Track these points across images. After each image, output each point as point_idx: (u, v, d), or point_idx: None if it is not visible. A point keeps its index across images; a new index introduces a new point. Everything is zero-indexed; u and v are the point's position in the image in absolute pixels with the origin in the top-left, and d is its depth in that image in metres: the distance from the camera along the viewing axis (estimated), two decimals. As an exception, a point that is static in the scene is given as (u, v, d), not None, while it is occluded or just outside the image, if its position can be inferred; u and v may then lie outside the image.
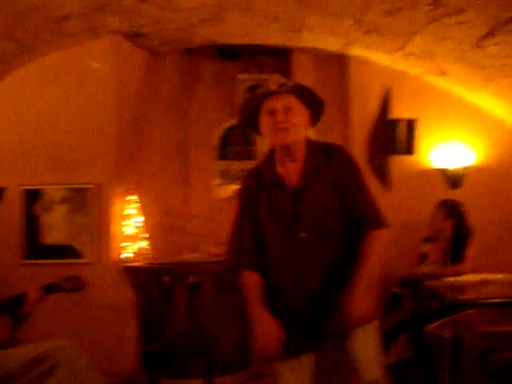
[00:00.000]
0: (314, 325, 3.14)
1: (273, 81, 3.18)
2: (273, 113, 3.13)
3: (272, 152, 3.30)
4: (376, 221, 3.18)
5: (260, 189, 3.26)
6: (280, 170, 3.22)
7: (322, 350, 3.23)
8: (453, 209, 5.77)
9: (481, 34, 5.15)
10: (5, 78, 6.44)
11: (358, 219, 3.17)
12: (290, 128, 3.12)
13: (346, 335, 3.10)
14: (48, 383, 3.55)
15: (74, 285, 4.17)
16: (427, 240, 6.06)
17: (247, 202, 3.33)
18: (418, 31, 5.50)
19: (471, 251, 5.62)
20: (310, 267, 3.13)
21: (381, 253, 3.17)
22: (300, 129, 3.18)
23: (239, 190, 3.41)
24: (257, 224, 3.27)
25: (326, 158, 3.20)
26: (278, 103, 3.13)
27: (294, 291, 3.16)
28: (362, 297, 3.00)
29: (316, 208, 3.12)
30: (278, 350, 3.04)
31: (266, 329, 3.07)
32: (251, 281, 3.25)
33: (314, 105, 3.24)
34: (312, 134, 6.55)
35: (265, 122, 3.18)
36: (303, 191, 3.15)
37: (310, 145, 3.27)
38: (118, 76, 6.42)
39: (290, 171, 3.19)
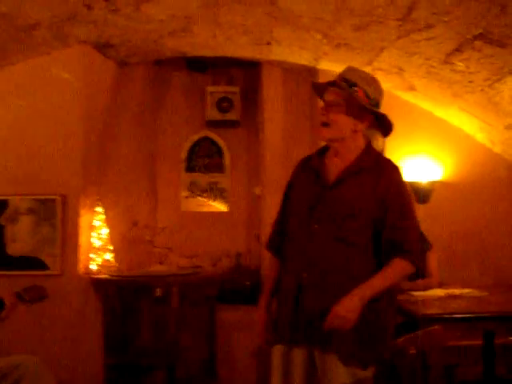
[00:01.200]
0: (310, 321, 3.15)
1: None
2: (323, 107, 3.22)
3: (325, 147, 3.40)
4: (408, 252, 3.14)
5: (301, 173, 3.37)
6: (327, 161, 3.29)
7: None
8: None
9: (449, 50, 5.18)
10: (-29, 87, 6.37)
11: (391, 242, 3.13)
12: (326, 124, 3.19)
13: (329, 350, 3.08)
14: None
15: (36, 295, 4.06)
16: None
17: (289, 184, 3.45)
18: (386, 46, 5.53)
19: (435, 265, 5.63)
20: (312, 260, 3.15)
21: (396, 283, 3.18)
22: (339, 127, 3.20)
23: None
24: (287, 208, 3.39)
25: (376, 167, 3.21)
26: (327, 96, 3.22)
27: (294, 279, 3.20)
28: (354, 301, 3.00)
29: (341, 207, 3.13)
30: (265, 339, 3.31)
31: (256, 317, 3.39)
32: (270, 267, 3.54)
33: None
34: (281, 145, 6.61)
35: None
36: (334, 187, 3.18)
37: (368, 149, 3.29)
38: (85, 86, 6.35)
39: (335, 166, 3.24)
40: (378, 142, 3.52)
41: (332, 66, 6.51)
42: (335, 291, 3.07)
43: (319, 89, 3.32)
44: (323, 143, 3.44)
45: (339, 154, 3.27)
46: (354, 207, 3.13)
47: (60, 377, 3.98)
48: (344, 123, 3.21)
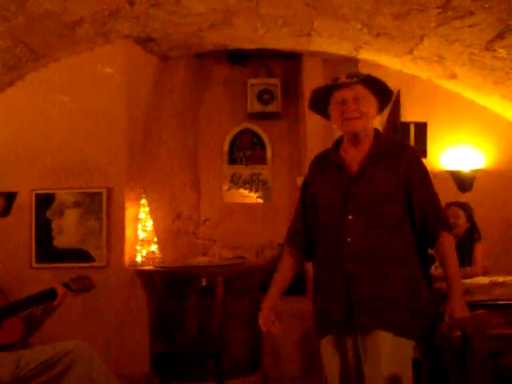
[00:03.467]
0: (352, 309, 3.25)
1: (344, 73, 3.33)
2: (343, 102, 3.29)
3: (341, 137, 3.47)
4: (446, 222, 3.35)
5: (321, 169, 3.45)
6: (344, 154, 3.38)
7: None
8: (469, 212, 5.74)
9: (490, 37, 5.15)
10: (17, 83, 6.49)
11: (429, 218, 3.29)
12: (358, 117, 3.28)
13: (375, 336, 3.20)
14: None
15: (82, 285, 4.14)
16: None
17: (308, 181, 3.53)
18: (426, 34, 5.51)
19: (481, 254, 5.61)
20: (353, 249, 3.24)
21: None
22: (368, 117, 3.34)
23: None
24: (312, 204, 3.44)
25: (392, 151, 3.34)
26: (347, 93, 3.29)
27: (338, 270, 3.28)
28: (461, 299, 3.27)
29: (372, 194, 3.25)
30: (272, 330, 3.45)
31: (264, 304, 3.48)
32: (283, 261, 3.57)
33: (382, 94, 3.42)
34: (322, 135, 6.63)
35: (334, 111, 3.35)
36: (360, 176, 3.28)
37: (377, 135, 3.44)
38: (128, 81, 6.46)
39: (353, 156, 3.35)
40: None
41: (372, 56, 6.51)
42: (382, 274, 3.22)
43: (326, 91, 3.39)
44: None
45: (359, 143, 3.37)
46: (384, 192, 3.26)
47: (108, 366, 4.04)
48: (372, 113, 3.37)
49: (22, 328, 3.80)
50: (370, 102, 3.34)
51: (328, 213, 3.35)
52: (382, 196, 3.25)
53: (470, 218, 5.71)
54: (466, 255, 5.58)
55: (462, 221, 5.68)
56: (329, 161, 3.44)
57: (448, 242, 3.30)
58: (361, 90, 3.31)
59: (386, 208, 3.24)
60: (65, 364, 3.56)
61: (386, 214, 3.24)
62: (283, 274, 3.58)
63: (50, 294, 3.91)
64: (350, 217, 3.25)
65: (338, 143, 3.49)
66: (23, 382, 3.57)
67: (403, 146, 3.48)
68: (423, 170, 3.37)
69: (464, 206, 5.77)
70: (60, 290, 3.93)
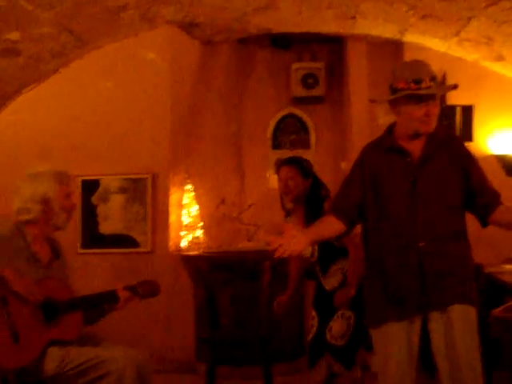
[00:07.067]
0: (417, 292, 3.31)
1: (425, 74, 3.30)
2: (425, 103, 3.28)
3: (391, 127, 3.49)
4: (499, 196, 3.44)
5: (380, 153, 3.48)
6: (402, 143, 3.41)
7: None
8: None
9: (540, 18, 5.07)
10: (62, 71, 6.53)
11: (489, 198, 3.40)
12: (434, 118, 3.32)
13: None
14: None
15: (149, 290, 4.07)
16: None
17: (364, 163, 3.52)
18: (474, 16, 5.42)
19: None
20: (425, 229, 3.30)
21: None
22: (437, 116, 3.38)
23: (359, 155, 3.60)
24: (372, 186, 3.45)
25: (445, 140, 3.43)
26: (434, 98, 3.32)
27: (409, 251, 3.32)
28: None
29: (434, 181, 3.34)
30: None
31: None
32: (328, 219, 3.54)
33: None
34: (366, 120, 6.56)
35: (413, 110, 3.30)
36: (424, 162, 3.35)
37: None
38: (172, 66, 6.47)
39: (413, 146, 3.39)
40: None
41: (417, 39, 6.44)
42: (451, 251, 3.33)
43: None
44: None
45: (423, 136, 3.39)
46: (446, 176, 3.35)
47: (153, 351, 4.04)
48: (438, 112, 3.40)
49: (81, 327, 3.78)
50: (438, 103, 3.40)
51: (395, 196, 3.39)
52: (446, 180, 3.34)
53: None
54: None
55: None
56: (387, 146, 3.46)
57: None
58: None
59: (450, 190, 3.34)
60: (101, 371, 3.55)
61: (450, 195, 3.34)
62: (325, 224, 3.57)
63: (113, 296, 3.87)
64: (420, 199, 3.32)
65: (388, 132, 3.51)
66: (65, 377, 3.57)
67: (452, 136, 3.63)
68: (472, 154, 3.47)
69: None
70: (122, 295, 3.88)
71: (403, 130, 3.41)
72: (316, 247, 4.51)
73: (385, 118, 3.51)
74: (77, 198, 6.42)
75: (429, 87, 3.25)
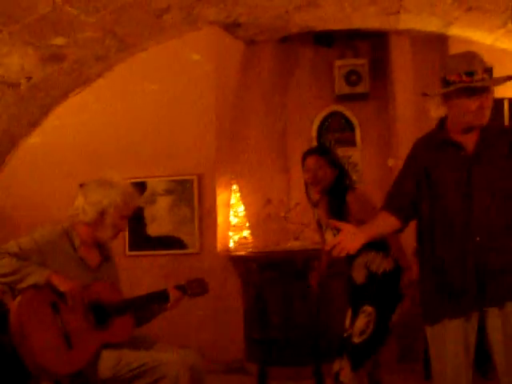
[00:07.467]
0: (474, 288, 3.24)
1: (479, 66, 3.24)
2: (479, 96, 3.21)
3: (443, 121, 3.43)
4: None
5: (432, 147, 3.43)
6: (455, 136, 3.35)
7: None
8: None
9: None
10: (106, 74, 6.58)
11: None
12: (488, 111, 3.25)
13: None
14: None
15: (198, 289, 4.09)
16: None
17: (417, 158, 3.49)
18: (521, 6, 5.35)
19: None
20: (481, 223, 3.24)
21: None
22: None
23: (410, 150, 3.55)
24: (425, 180, 3.41)
25: (499, 133, 3.37)
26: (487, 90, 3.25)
27: (465, 245, 3.27)
28: None
29: (489, 174, 3.26)
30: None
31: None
32: (382, 215, 3.48)
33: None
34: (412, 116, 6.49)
35: (466, 103, 3.24)
36: (478, 155, 3.29)
37: None
38: (216, 67, 6.48)
39: (467, 139, 3.33)
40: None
41: (462, 32, 6.35)
42: (508, 246, 3.24)
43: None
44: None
45: (476, 129, 3.33)
46: (500, 170, 3.27)
47: (203, 352, 4.03)
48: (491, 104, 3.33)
49: (132, 330, 3.80)
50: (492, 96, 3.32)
51: (449, 190, 3.33)
52: (501, 173, 3.27)
53: None
54: None
55: None
56: (440, 140, 3.41)
57: None
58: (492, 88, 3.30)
59: (505, 183, 3.26)
60: (156, 375, 3.55)
61: (505, 189, 3.26)
62: (380, 221, 3.51)
63: (163, 296, 3.90)
64: (475, 193, 3.25)
65: (440, 126, 3.45)
66: (120, 381, 3.59)
67: (504, 127, 3.58)
68: None
69: None
70: (173, 294, 3.91)
71: (456, 124, 3.34)
72: None
73: (436, 111, 3.42)
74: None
75: (482, 79, 3.18)
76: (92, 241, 3.87)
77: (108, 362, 3.58)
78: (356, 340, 4.24)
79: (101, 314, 3.66)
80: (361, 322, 4.26)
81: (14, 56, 5.62)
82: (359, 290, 4.39)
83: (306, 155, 4.74)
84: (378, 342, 4.28)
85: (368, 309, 4.26)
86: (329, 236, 4.50)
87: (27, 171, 6.87)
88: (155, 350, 3.77)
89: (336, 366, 4.32)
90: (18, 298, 3.50)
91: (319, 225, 4.74)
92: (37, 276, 3.48)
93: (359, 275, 4.39)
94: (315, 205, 4.74)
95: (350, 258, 4.37)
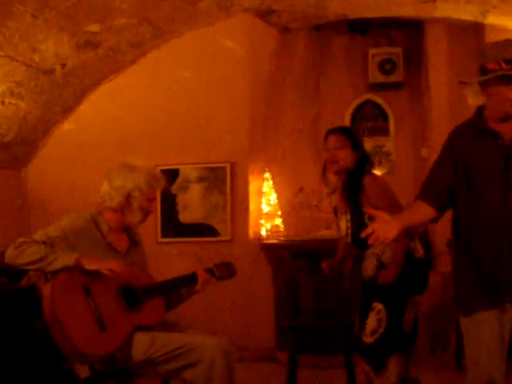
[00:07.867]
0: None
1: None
2: None
3: (480, 109, 3.37)
4: None
5: (472, 137, 3.36)
6: (493, 125, 3.30)
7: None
8: None
9: None
10: (140, 61, 6.60)
11: None
12: None
13: None
14: (183, 376, 3.59)
15: (225, 272, 4.10)
16: None
17: (453, 147, 3.42)
18: (561, -7, 5.26)
19: None
20: None
21: None
22: None
23: (446, 139, 3.48)
24: (461, 168, 3.36)
25: None
26: None
27: (505, 235, 3.23)
28: None
29: None
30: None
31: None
32: (418, 204, 3.42)
33: None
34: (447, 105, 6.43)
35: (505, 91, 3.19)
36: None
37: None
38: (250, 55, 6.47)
39: (505, 128, 3.27)
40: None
41: (500, 20, 6.27)
42: None
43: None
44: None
45: (511, 118, 3.26)
46: None
47: (233, 338, 4.02)
48: None
49: (164, 312, 3.82)
50: None
51: (487, 179, 3.28)
52: None
53: None
54: None
55: None
56: (478, 129, 3.36)
57: None
58: None
59: None
60: (192, 359, 3.56)
61: None
62: (415, 210, 3.48)
63: (192, 278, 3.92)
64: None
65: (478, 115, 3.40)
66: (154, 363, 3.61)
67: None
68: None
69: None
70: (201, 276, 3.93)
71: (494, 112, 3.28)
72: (349, 228, 4.30)
73: (474, 99, 3.37)
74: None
75: None
76: (120, 226, 3.89)
77: (141, 344, 3.60)
78: (367, 340, 4.11)
79: (131, 297, 3.68)
80: (372, 320, 4.12)
81: (49, 42, 5.65)
82: (368, 284, 4.31)
83: (328, 133, 4.56)
84: (394, 341, 4.19)
85: (378, 306, 4.12)
86: (342, 223, 4.42)
87: (61, 158, 6.92)
88: (189, 335, 3.78)
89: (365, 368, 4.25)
90: (50, 283, 3.53)
91: (335, 212, 4.68)
92: (65, 259, 3.50)
93: (369, 266, 4.28)
94: (332, 191, 4.64)
95: (363, 248, 4.27)
